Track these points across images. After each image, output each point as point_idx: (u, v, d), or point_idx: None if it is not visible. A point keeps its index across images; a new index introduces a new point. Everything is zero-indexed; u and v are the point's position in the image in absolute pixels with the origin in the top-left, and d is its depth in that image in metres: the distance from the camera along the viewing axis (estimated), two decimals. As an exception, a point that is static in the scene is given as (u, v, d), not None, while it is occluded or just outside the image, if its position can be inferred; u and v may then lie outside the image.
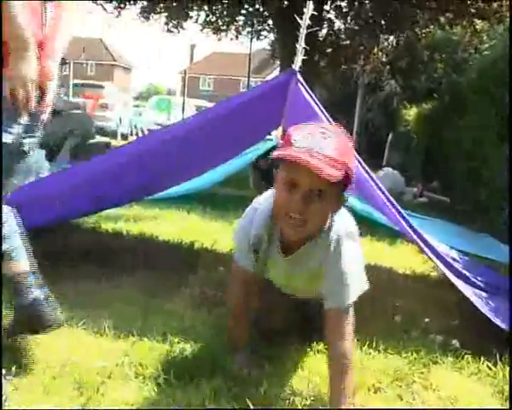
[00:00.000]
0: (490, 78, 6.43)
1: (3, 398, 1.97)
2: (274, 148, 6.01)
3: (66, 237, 4.05)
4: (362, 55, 15.15)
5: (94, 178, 3.32)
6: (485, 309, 2.87)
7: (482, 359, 2.59)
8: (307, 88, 3.29)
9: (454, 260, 3.54)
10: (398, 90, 16.97)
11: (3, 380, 2.07)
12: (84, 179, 3.32)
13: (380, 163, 11.49)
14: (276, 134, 5.48)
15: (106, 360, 2.34)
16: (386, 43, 15.84)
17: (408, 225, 3.19)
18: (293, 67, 3.28)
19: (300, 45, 3.15)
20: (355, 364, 2.44)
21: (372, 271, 4.07)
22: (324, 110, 3.29)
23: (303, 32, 3.08)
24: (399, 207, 3.28)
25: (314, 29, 3.13)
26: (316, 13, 3.14)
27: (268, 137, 5.52)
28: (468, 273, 3.27)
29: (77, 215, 4.15)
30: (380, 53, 15.49)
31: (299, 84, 3.27)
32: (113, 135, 17.00)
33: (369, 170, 3.28)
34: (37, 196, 3.19)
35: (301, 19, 3.08)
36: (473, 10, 11.94)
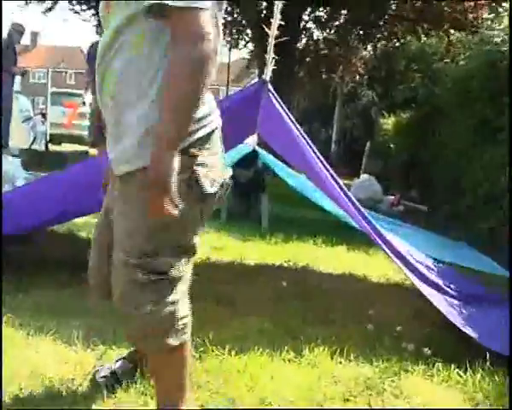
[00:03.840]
0: (466, 88, 6.50)
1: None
2: (252, 153, 5.95)
3: (42, 246, 4.02)
4: (340, 65, 15.25)
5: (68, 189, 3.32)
6: (455, 317, 2.90)
7: (453, 366, 2.59)
8: (277, 98, 3.34)
9: (428, 268, 3.56)
10: (376, 100, 17.08)
11: None
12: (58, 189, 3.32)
13: (358, 172, 11.54)
14: (253, 139, 5.50)
15: (75, 369, 2.32)
16: (364, 53, 15.99)
17: (375, 233, 3.22)
18: (264, 76, 3.31)
19: (270, 55, 3.18)
20: (325, 373, 2.46)
21: (346, 280, 4.15)
22: (293, 119, 3.34)
23: (271, 42, 3.10)
24: (367, 215, 3.32)
25: (283, 39, 3.14)
26: (283, 23, 3.15)
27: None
28: (440, 281, 3.29)
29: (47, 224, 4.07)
30: (358, 63, 15.60)
31: (269, 93, 3.30)
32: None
33: (337, 179, 3.34)
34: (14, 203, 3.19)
35: (269, 29, 3.10)
36: (448, 23, 12.08)
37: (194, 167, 1.67)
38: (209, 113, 1.74)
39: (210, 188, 1.70)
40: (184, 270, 1.78)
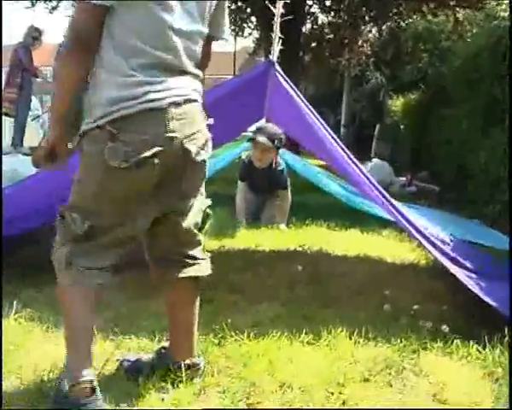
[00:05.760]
0: (473, 67, 6.43)
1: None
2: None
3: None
4: (346, 48, 15.13)
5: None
6: (477, 290, 2.88)
7: (471, 343, 2.59)
8: (286, 78, 3.27)
9: (444, 242, 3.53)
10: (384, 82, 16.96)
11: None
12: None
13: (368, 155, 11.46)
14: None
15: (95, 360, 2.33)
16: (370, 35, 15.85)
17: (397, 212, 3.20)
18: (271, 57, 3.26)
19: (276, 34, 3.13)
20: (344, 354, 2.46)
21: (361, 261, 4.14)
22: (304, 99, 3.28)
23: (277, 20, 3.07)
24: (387, 195, 3.30)
25: (289, 17, 3.09)
26: (288, 0, 3.11)
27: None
28: (456, 255, 3.27)
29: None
30: (364, 45, 15.47)
31: (277, 74, 3.24)
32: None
33: (356, 161, 3.30)
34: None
35: (275, 7, 3.07)
36: (454, 1, 11.96)
37: (108, 141, 1.87)
38: (132, 97, 1.87)
39: (118, 162, 1.86)
40: (87, 227, 1.98)
